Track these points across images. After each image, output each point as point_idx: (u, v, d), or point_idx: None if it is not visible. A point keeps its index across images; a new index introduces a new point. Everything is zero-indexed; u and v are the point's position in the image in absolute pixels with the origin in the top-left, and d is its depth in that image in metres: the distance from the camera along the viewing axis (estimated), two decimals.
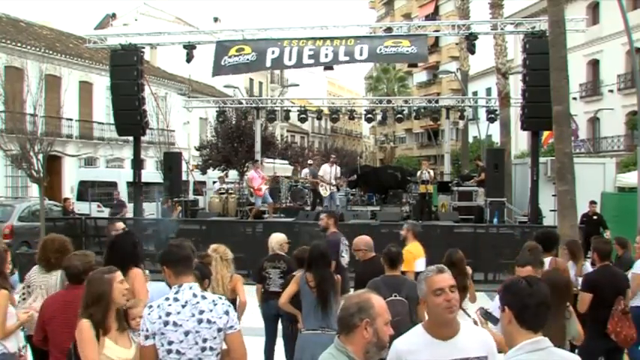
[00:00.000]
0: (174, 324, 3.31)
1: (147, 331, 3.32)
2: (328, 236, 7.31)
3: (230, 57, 14.63)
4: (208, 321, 3.35)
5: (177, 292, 3.40)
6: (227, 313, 3.41)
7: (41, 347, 4.21)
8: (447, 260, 4.84)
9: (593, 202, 13.96)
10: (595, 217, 13.72)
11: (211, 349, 3.36)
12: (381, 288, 4.76)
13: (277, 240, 6.67)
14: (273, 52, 14.37)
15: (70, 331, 3.88)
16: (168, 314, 3.33)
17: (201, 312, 3.35)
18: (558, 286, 4.26)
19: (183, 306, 3.35)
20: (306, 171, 21.16)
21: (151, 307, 3.39)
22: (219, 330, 3.37)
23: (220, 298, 3.52)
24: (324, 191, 16.44)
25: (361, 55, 14.04)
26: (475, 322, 4.16)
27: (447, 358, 2.83)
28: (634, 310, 5.64)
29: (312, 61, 14.35)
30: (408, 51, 14.04)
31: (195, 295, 3.41)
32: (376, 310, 2.56)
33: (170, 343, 3.31)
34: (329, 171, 16.60)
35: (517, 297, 2.48)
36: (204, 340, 3.34)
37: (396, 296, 4.71)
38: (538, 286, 2.52)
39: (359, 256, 6.01)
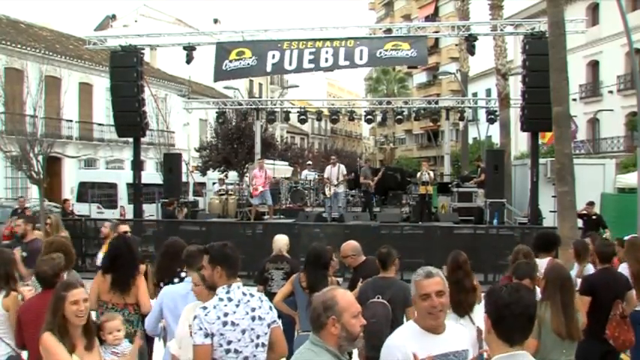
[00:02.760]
0: (232, 324, 3.40)
1: (205, 329, 3.36)
2: (29, 244, 6.98)
3: (231, 61, 14.67)
4: (260, 318, 3.49)
5: (228, 292, 3.48)
6: (271, 308, 3.59)
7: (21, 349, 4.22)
8: (454, 263, 4.80)
9: (590, 203, 13.90)
10: (594, 217, 13.70)
11: (263, 345, 3.50)
12: (368, 290, 4.80)
13: (285, 241, 6.64)
14: (273, 57, 14.39)
15: None
16: (226, 314, 3.40)
17: (253, 309, 3.48)
18: (565, 279, 4.24)
19: (237, 305, 3.46)
20: (306, 172, 21.18)
21: (206, 307, 3.43)
22: (268, 325, 3.53)
23: (262, 294, 3.70)
24: (327, 192, 16.43)
25: (361, 59, 14.10)
26: (479, 331, 4.12)
27: (439, 351, 2.91)
28: (631, 314, 5.58)
29: (312, 66, 14.39)
30: (407, 54, 14.06)
31: (244, 294, 3.52)
32: (341, 306, 2.65)
33: (229, 342, 3.39)
34: (331, 172, 16.58)
35: (494, 306, 2.37)
36: (258, 337, 3.47)
37: (378, 298, 4.68)
38: (519, 295, 2.36)
39: (348, 262, 5.77)
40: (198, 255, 4.38)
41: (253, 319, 3.46)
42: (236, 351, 3.40)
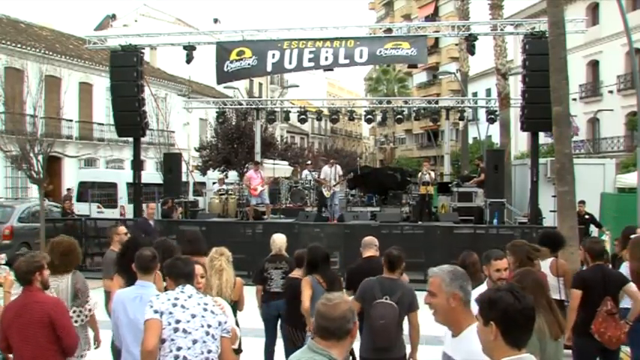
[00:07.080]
0: (182, 306, 3.57)
1: (155, 308, 3.55)
2: None
3: (232, 62, 14.69)
4: (212, 312, 3.64)
5: (182, 289, 3.69)
6: (225, 314, 3.81)
7: (7, 354, 4.11)
8: (460, 263, 4.77)
9: (581, 202, 13.85)
10: (587, 217, 13.66)
11: (213, 337, 3.59)
12: (374, 288, 4.74)
13: (284, 241, 6.63)
14: (273, 56, 14.42)
15: (24, 337, 3.87)
16: (176, 299, 3.60)
17: (206, 304, 3.67)
18: (531, 285, 4.14)
19: (190, 297, 3.65)
20: (306, 172, 21.19)
21: (158, 295, 3.69)
22: (220, 323, 3.64)
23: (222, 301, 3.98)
24: (326, 192, 16.45)
25: (361, 57, 14.11)
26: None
27: (450, 353, 2.84)
28: (622, 311, 5.54)
29: (312, 64, 14.41)
30: (407, 53, 14.09)
31: (198, 292, 3.75)
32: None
33: (177, 321, 3.52)
34: (329, 172, 16.60)
35: (507, 314, 2.30)
36: (209, 326, 3.58)
37: (387, 299, 4.67)
38: (526, 300, 2.35)
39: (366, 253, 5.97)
40: (153, 259, 4.28)
41: (205, 310, 3.61)
42: (185, 331, 3.50)
